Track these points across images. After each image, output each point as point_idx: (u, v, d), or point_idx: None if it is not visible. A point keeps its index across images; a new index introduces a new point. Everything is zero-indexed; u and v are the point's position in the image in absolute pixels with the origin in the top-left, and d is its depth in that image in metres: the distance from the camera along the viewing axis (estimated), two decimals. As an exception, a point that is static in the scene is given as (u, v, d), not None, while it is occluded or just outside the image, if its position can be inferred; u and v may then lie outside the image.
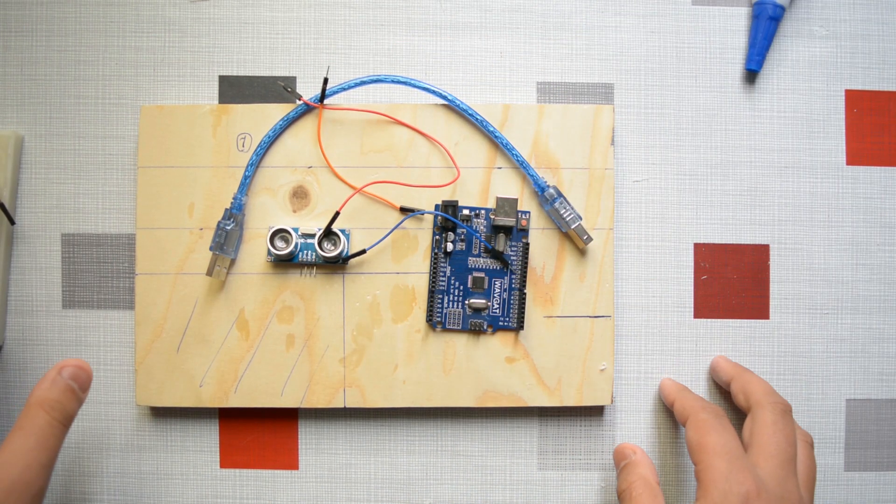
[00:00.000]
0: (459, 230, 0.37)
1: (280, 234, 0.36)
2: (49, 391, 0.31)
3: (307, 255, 0.37)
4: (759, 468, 0.32)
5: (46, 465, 0.30)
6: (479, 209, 0.37)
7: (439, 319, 0.37)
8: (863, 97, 0.39)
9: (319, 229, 0.36)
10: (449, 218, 0.37)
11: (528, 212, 0.37)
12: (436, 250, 0.37)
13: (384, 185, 0.37)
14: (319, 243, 0.36)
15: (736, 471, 0.31)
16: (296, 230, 0.37)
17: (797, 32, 0.40)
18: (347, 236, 0.37)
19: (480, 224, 0.37)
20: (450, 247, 0.37)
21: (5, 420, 0.39)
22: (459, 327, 0.37)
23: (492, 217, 0.37)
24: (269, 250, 0.36)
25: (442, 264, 0.37)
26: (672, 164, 0.39)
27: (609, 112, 0.38)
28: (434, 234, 0.37)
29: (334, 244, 0.37)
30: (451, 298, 0.37)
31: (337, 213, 0.36)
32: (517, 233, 0.37)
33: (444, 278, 0.37)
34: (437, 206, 0.37)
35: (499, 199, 0.37)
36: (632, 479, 0.34)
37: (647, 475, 0.34)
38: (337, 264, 0.37)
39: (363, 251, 0.37)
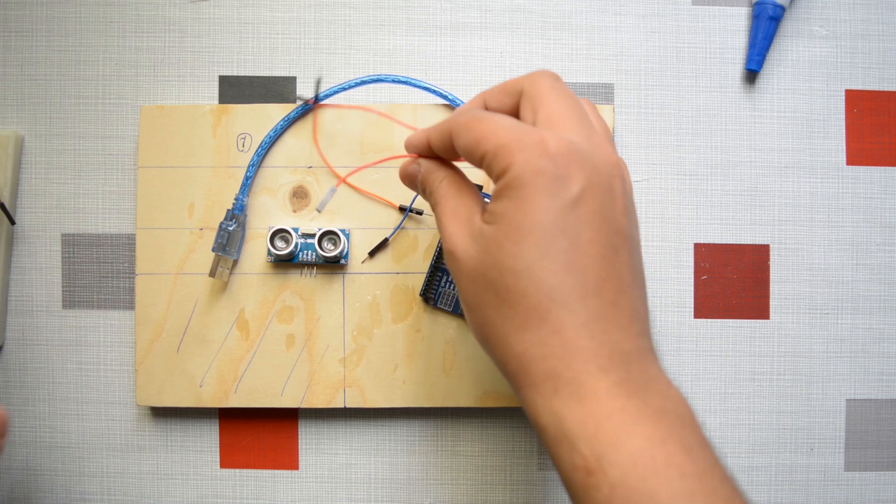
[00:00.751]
0: None
1: (280, 234, 0.36)
2: None
3: (307, 254, 0.37)
4: (560, 132, 0.26)
5: None
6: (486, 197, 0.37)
7: (432, 296, 0.37)
8: (863, 97, 0.39)
9: (320, 229, 0.36)
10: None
11: None
12: None
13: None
14: (319, 243, 0.36)
15: (530, 134, 0.25)
16: (296, 230, 0.37)
17: (797, 32, 0.40)
18: (347, 236, 0.37)
19: None
20: None
21: (5, 420, 0.39)
22: (450, 309, 0.37)
23: None
24: (269, 250, 0.36)
25: None
26: (672, 164, 0.39)
27: (609, 112, 0.38)
28: None
29: (334, 244, 0.36)
30: (449, 279, 0.37)
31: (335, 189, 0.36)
32: None
33: None
34: None
35: None
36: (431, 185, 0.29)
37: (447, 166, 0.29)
38: (336, 264, 0.37)
39: (385, 241, 0.37)
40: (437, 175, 0.29)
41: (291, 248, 0.36)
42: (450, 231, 0.27)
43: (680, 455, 0.23)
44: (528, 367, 0.25)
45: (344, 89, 0.37)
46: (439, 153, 0.29)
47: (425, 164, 0.30)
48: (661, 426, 0.24)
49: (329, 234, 0.36)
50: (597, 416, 0.24)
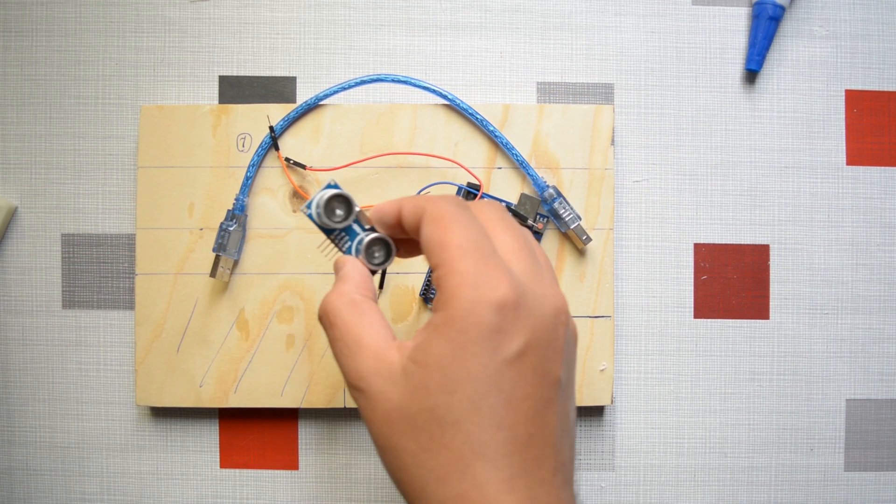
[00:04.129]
0: None
1: (340, 199, 0.29)
2: None
3: (346, 243, 0.29)
4: (512, 268, 0.25)
5: None
6: (501, 201, 0.37)
7: (432, 296, 0.37)
8: (863, 97, 0.39)
9: (368, 233, 0.29)
10: (473, 192, 0.37)
11: (547, 217, 0.37)
12: None
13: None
14: (369, 248, 0.29)
15: (487, 271, 0.23)
16: (356, 205, 0.29)
17: (797, 32, 0.40)
18: (392, 248, 0.29)
19: None
20: None
21: (5, 420, 0.39)
22: None
23: (512, 209, 0.37)
24: (316, 211, 0.29)
25: None
26: (672, 164, 0.39)
27: (609, 112, 0.38)
28: None
29: (385, 255, 0.29)
30: None
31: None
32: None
33: None
34: (459, 189, 0.37)
35: (523, 196, 0.37)
36: (328, 297, 0.27)
37: (348, 291, 0.27)
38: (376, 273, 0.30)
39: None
40: (342, 291, 0.27)
41: (348, 222, 0.29)
42: (354, 364, 0.25)
43: None
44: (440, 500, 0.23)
45: (344, 89, 0.37)
46: (407, 229, 0.27)
47: (345, 266, 0.28)
48: None
49: (381, 242, 0.29)
50: None
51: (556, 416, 0.24)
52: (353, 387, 0.25)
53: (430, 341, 0.24)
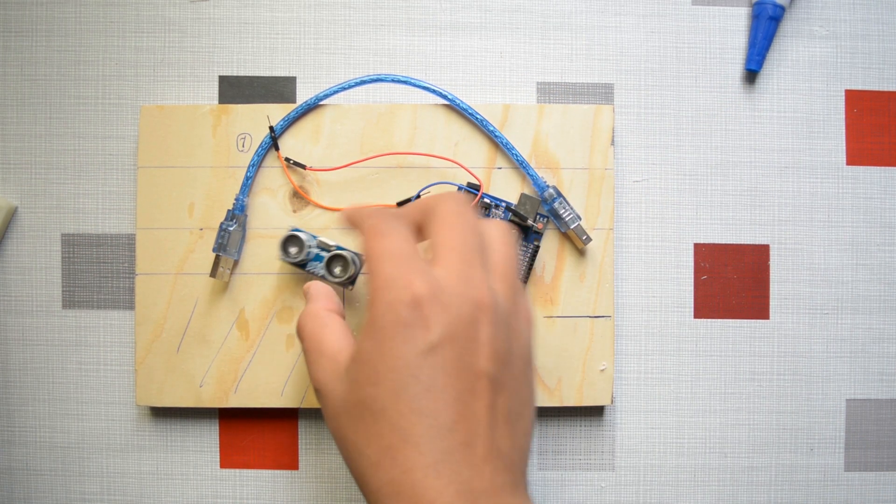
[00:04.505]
0: None
1: (293, 240, 0.35)
2: None
3: (316, 267, 0.36)
4: (437, 268, 0.27)
5: None
6: (501, 201, 0.37)
7: None
8: (863, 97, 0.39)
9: (328, 252, 0.35)
10: (473, 192, 0.37)
11: (547, 217, 0.37)
12: None
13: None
14: (328, 266, 0.35)
15: (402, 274, 0.26)
16: (313, 237, 0.36)
17: (797, 32, 0.40)
18: (356, 257, 0.36)
19: (498, 216, 0.37)
20: None
21: (5, 420, 0.39)
22: None
23: (512, 209, 0.36)
24: (280, 252, 0.35)
25: None
26: (672, 164, 0.39)
27: (609, 112, 0.38)
28: None
29: (343, 269, 0.35)
30: None
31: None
32: (531, 234, 0.37)
33: None
34: (458, 189, 0.37)
35: (523, 196, 0.37)
36: (300, 316, 0.31)
37: (313, 308, 0.31)
38: (343, 286, 0.36)
39: None
40: (308, 310, 0.31)
41: (304, 256, 0.35)
42: (313, 365, 0.29)
43: None
44: (379, 490, 0.25)
45: (344, 89, 0.37)
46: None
47: (310, 289, 0.32)
48: None
49: (338, 258, 0.35)
50: None
51: (486, 408, 0.26)
52: (315, 390, 0.29)
53: (361, 341, 0.27)
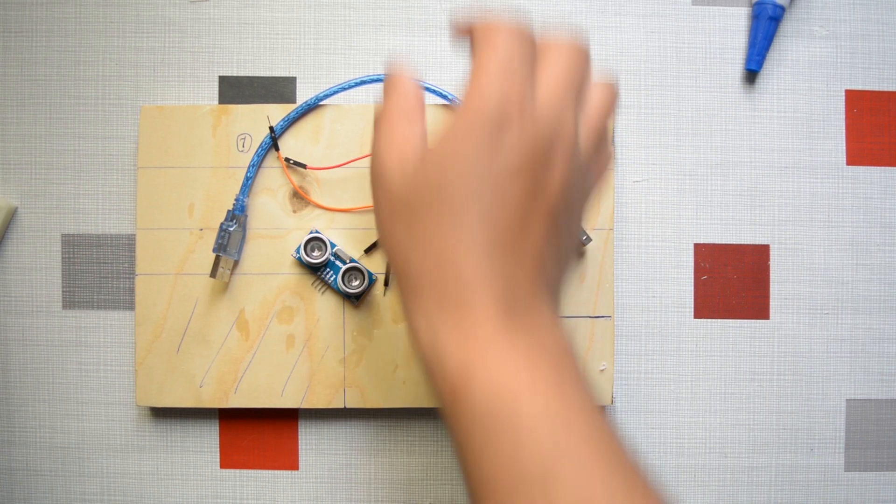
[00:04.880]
0: None
1: (316, 242, 0.36)
2: None
3: (329, 274, 0.37)
4: (535, 88, 0.26)
5: None
6: None
7: None
8: (863, 97, 0.39)
9: (343, 264, 0.36)
10: None
11: None
12: None
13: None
14: (343, 276, 0.36)
15: (501, 81, 0.25)
16: (333, 245, 0.37)
17: (797, 32, 0.40)
18: (370, 275, 0.37)
19: None
20: None
21: (5, 421, 0.39)
22: None
23: None
24: (300, 254, 0.36)
25: None
26: (672, 164, 0.39)
27: (609, 112, 0.38)
28: None
29: (360, 282, 0.36)
30: None
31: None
32: None
33: None
34: None
35: None
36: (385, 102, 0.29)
37: (407, 89, 0.29)
38: (349, 299, 0.37)
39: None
40: (391, 84, 0.28)
41: (325, 257, 0.36)
42: (382, 150, 0.27)
43: (551, 388, 0.23)
44: (420, 275, 0.25)
45: (344, 89, 0.37)
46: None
47: (388, 74, 0.29)
48: (534, 358, 0.24)
49: (355, 271, 0.36)
50: (472, 338, 0.24)
51: (543, 232, 0.26)
52: (374, 172, 0.27)
53: (440, 141, 0.25)
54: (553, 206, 0.26)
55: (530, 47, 0.26)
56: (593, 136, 0.27)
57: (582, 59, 0.27)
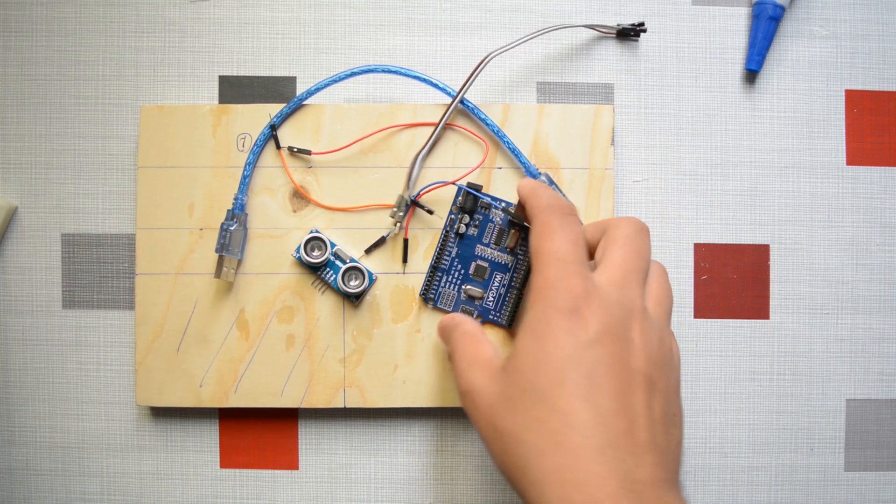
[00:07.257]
0: (476, 216, 0.37)
1: (315, 242, 0.36)
2: None
3: (329, 274, 0.37)
4: (598, 275, 0.29)
5: None
6: (501, 200, 0.37)
7: (433, 297, 0.37)
8: (863, 97, 0.39)
9: (343, 263, 0.36)
10: (473, 192, 0.37)
11: None
12: (448, 229, 0.37)
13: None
14: (343, 276, 0.36)
15: (566, 277, 0.27)
16: (332, 244, 0.36)
17: (797, 32, 0.40)
18: (370, 275, 0.37)
19: (498, 216, 0.37)
20: (463, 228, 0.37)
21: (5, 420, 0.39)
22: (450, 309, 0.37)
23: (510, 212, 0.36)
24: (300, 254, 0.36)
25: (450, 244, 0.37)
26: (672, 164, 0.39)
27: (609, 112, 0.38)
28: (451, 212, 0.37)
29: (359, 282, 0.36)
30: (449, 279, 0.37)
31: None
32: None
33: (448, 258, 0.37)
34: (459, 189, 0.37)
35: None
36: (452, 337, 0.33)
37: (470, 329, 0.32)
38: (349, 299, 0.37)
39: (382, 239, 0.36)
40: (453, 324, 0.33)
41: (325, 257, 0.36)
42: (466, 371, 0.30)
43: None
44: (544, 494, 0.25)
45: (334, 82, 0.37)
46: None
47: (445, 320, 0.34)
48: None
49: (355, 271, 0.36)
50: None
51: (644, 404, 0.27)
52: (464, 393, 0.30)
53: (520, 338, 0.28)
54: (646, 376, 0.27)
55: (584, 234, 0.30)
56: (661, 312, 0.29)
57: (639, 242, 0.30)
